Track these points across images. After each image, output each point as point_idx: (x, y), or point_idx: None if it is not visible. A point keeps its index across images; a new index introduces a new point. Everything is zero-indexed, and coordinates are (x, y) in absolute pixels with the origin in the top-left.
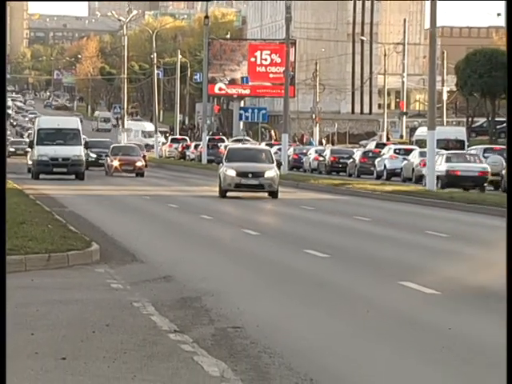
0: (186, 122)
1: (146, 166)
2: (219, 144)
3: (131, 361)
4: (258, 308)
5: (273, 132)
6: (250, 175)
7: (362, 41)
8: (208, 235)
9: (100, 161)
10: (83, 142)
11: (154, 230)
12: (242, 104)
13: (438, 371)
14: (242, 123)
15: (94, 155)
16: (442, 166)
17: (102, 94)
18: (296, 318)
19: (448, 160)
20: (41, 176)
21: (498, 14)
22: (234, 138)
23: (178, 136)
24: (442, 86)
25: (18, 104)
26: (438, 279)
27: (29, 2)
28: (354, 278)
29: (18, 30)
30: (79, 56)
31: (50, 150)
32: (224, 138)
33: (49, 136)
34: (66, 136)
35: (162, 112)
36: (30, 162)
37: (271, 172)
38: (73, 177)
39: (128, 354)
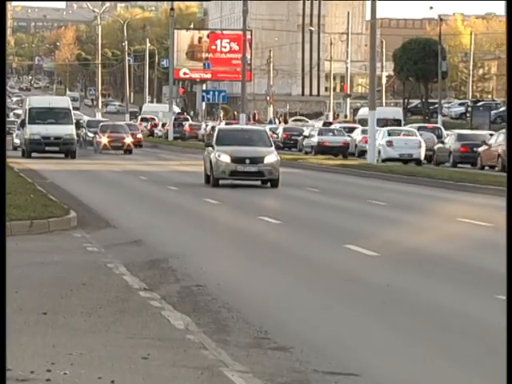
0: (154, 103)
1: (137, 145)
2: (184, 123)
3: (105, 315)
4: (219, 268)
5: (222, 112)
6: (247, 161)
7: (311, 31)
8: (174, 204)
9: None
10: (75, 121)
11: (126, 199)
12: (204, 87)
13: (376, 322)
14: (204, 104)
15: (92, 134)
16: (315, 138)
17: (78, 77)
18: (253, 277)
19: (320, 133)
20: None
21: (431, 8)
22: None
23: (147, 115)
24: (382, 71)
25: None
26: (378, 243)
27: None
28: (303, 242)
29: None
30: (58, 43)
31: (42, 129)
32: (188, 117)
33: (40, 115)
34: (57, 115)
35: (132, 94)
36: (16, 141)
37: (271, 157)
38: (63, 155)
39: (102, 310)
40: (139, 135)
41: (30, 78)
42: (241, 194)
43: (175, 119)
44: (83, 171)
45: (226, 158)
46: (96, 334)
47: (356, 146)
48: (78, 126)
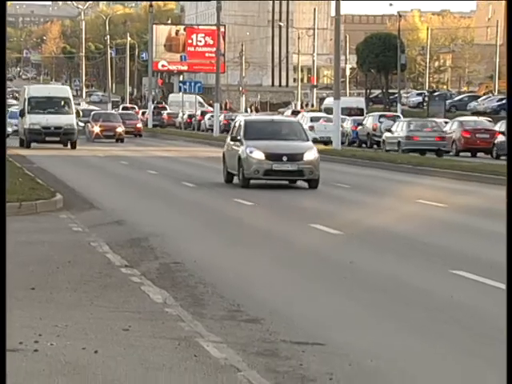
0: (135, 93)
1: (136, 134)
2: (162, 111)
3: (89, 290)
4: (196, 246)
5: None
6: (284, 158)
7: (280, 26)
8: (154, 187)
9: None
10: (75, 111)
11: (108, 182)
12: (181, 78)
13: (340, 295)
14: (181, 93)
15: (83, 124)
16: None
17: (63, 69)
18: (227, 254)
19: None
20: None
21: (390, 5)
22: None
23: (128, 105)
24: (346, 63)
25: None
26: (342, 222)
27: None
28: (273, 221)
29: None
30: (44, 38)
31: (42, 119)
32: (166, 106)
33: (40, 104)
34: (57, 104)
35: (114, 85)
36: (9, 130)
37: (311, 153)
38: (61, 145)
39: (87, 285)
40: (139, 125)
41: (19, 69)
42: (215, 177)
43: (154, 108)
44: (69, 156)
45: (259, 155)
46: (80, 308)
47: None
48: (79, 115)
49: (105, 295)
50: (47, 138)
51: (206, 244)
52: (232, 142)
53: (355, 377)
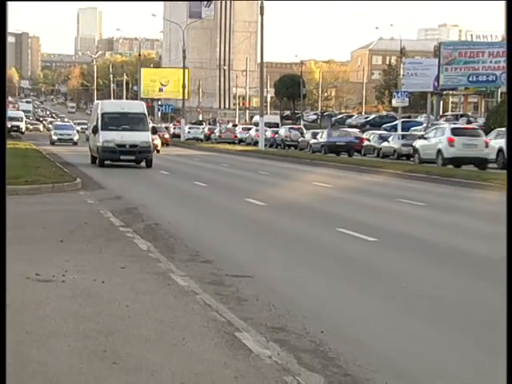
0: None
1: (164, 143)
2: None
3: (98, 242)
4: (170, 213)
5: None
6: None
7: (224, 69)
8: (142, 175)
9: None
10: (151, 127)
11: (111, 172)
12: (159, 102)
13: (262, 243)
14: (159, 113)
15: None
16: (185, 132)
17: (82, 96)
18: (190, 218)
19: (173, 128)
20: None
21: (296, 55)
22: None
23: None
24: (267, 93)
25: (37, 103)
26: (266, 197)
27: (41, 47)
28: (219, 197)
29: (35, 62)
30: (69, 76)
31: (117, 136)
32: (150, 121)
33: (113, 121)
34: (131, 121)
35: None
36: (53, 137)
37: None
38: (133, 163)
39: (97, 239)
40: (166, 135)
41: (52, 96)
42: (183, 167)
43: None
44: (87, 154)
45: None
46: (93, 254)
47: (252, 138)
48: (155, 131)
49: (109, 245)
50: (122, 157)
51: (176, 212)
52: None
53: (273, 298)
